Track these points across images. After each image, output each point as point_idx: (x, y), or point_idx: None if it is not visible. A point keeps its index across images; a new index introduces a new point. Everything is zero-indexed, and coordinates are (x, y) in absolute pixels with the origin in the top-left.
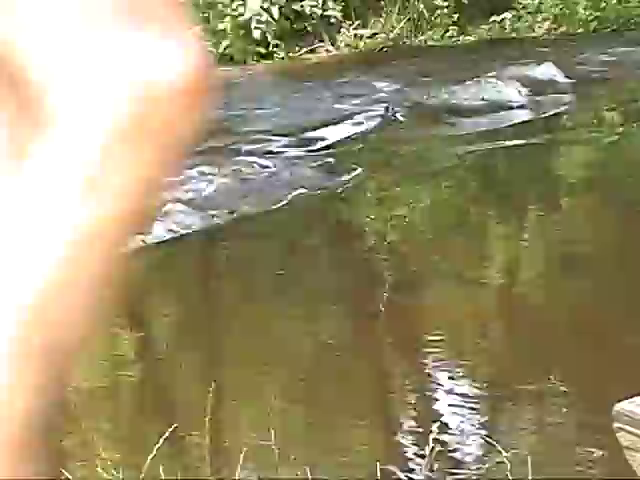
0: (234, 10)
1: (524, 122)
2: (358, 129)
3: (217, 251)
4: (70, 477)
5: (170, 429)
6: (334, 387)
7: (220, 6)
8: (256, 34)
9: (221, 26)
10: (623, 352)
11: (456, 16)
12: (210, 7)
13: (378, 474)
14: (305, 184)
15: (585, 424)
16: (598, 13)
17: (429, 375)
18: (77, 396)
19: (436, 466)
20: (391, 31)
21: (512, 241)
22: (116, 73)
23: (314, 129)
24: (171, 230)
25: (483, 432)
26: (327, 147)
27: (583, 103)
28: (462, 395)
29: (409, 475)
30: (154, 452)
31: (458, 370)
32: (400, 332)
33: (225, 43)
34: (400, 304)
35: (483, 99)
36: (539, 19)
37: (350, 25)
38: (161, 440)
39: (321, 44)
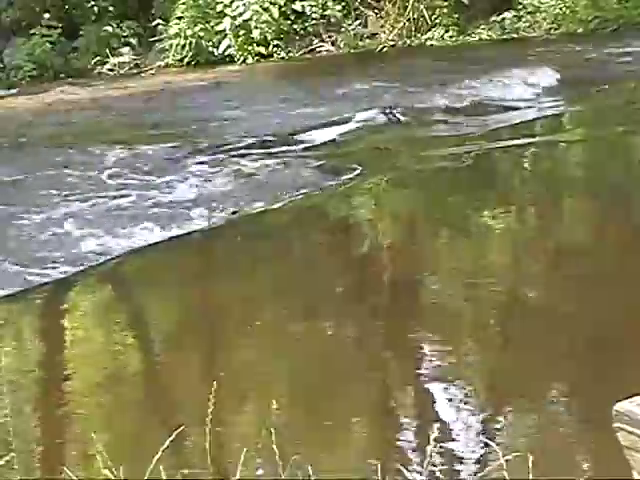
0: (234, 10)
1: (524, 122)
2: (358, 129)
3: (217, 250)
4: (74, 477)
5: (177, 430)
6: (335, 387)
7: (220, 6)
8: (256, 34)
9: (221, 26)
10: (623, 352)
11: (456, 16)
12: (210, 7)
13: (379, 474)
14: (305, 184)
15: (585, 424)
16: (598, 13)
17: (429, 375)
18: (79, 395)
19: (436, 466)
20: (391, 31)
21: (512, 239)
22: None
23: (314, 129)
24: (172, 230)
25: (483, 432)
26: (327, 147)
27: (583, 103)
28: (462, 395)
29: (410, 474)
30: (159, 453)
31: (458, 370)
32: (400, 331)
33: (225, 43)
34: (400, 303)
35: (483, 99)
36: (539, 19)
37: (350, 25)
38: (167, 442)
39: (321, 44)
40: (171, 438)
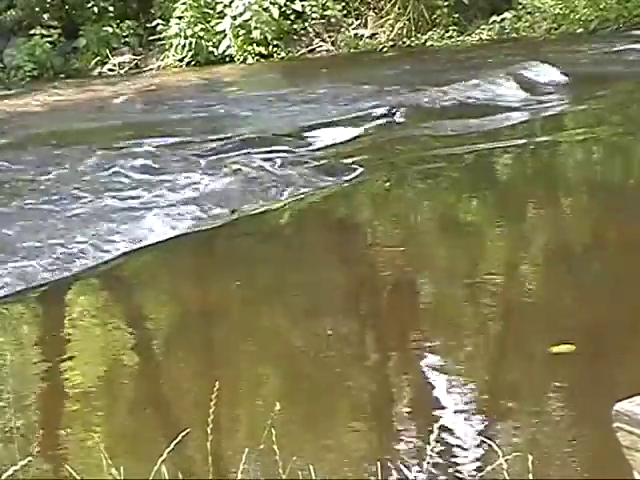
0: (234, 10)
1: (524, 122)
2: (358, 129)
3: (217, 250)
4: (77, 477)
5: (182, 433)
6: (335, 387)
7: (220, 6)
8: (256, 34)
9: (221, 26)
10: (623, 352)
11: (456, 16)
12: (210, 7)
13: (379, 474)
14: (305, 184)
15: (585, 424)
16: (598, 13)
17: (429, 375)
18: (82, 396)
19: (437, 466)
20: (391, 31)
21: (511, 240)
22: None
23: (314, 129)
24: (171, 229)
25: (483, 432)
26: (327, 147)
27: (583, 103)
28: (463, 396)
29: (410, 475)
30: (164, 455)
31: (458, 370)
32: (400, 331)
33: (225, 43)
34: (399, 303)
35: (483, 99)
36: (539, 19)
37: (350, 25)
38: (172, 444)
39: (321, 44)
40: (177, 440)
